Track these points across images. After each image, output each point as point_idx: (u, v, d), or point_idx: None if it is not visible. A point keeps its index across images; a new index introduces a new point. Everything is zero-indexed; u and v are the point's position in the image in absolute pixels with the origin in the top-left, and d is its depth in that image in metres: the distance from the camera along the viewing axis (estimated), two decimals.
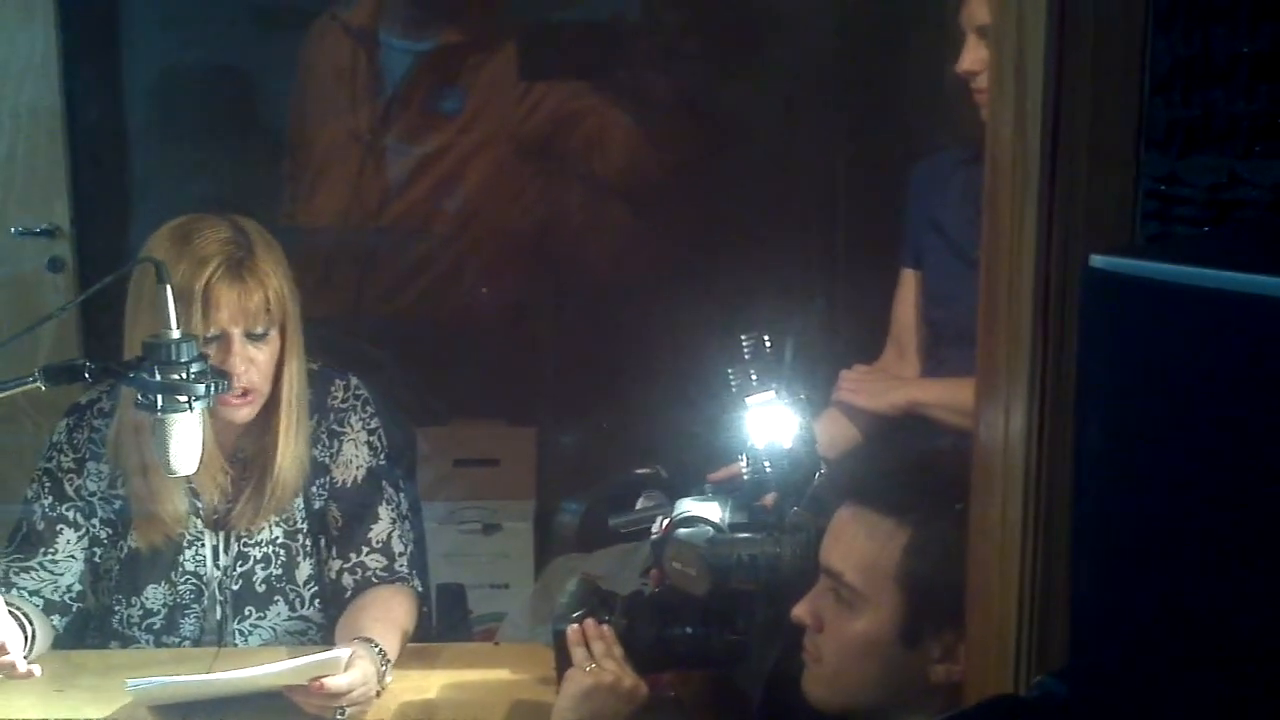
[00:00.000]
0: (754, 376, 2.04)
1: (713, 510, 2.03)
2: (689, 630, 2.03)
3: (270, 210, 3.70)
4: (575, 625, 2.03)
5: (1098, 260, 1.09)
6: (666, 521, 2.03)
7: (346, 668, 2.07)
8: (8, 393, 1.99)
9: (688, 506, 2.04)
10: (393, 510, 2.45)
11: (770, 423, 2.05)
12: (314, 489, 2.43)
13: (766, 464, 2.03)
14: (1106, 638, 1.10)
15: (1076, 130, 1.40)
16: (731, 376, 2.05)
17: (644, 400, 3.59)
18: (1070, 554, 1.15)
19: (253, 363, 2.27)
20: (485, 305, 3.88)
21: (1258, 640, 0.99)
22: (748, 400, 2.03)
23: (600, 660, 2.00)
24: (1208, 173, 1.39)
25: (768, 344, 2.05)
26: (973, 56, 2.34)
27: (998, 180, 1.50)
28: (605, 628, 2.03)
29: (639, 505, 2.16)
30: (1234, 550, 1.01)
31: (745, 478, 2.06)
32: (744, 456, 2.06)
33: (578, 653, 2.01)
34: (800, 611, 1.84)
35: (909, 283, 2.65)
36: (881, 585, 1.75)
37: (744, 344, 2.06)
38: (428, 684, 2.26)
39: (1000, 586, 1.49)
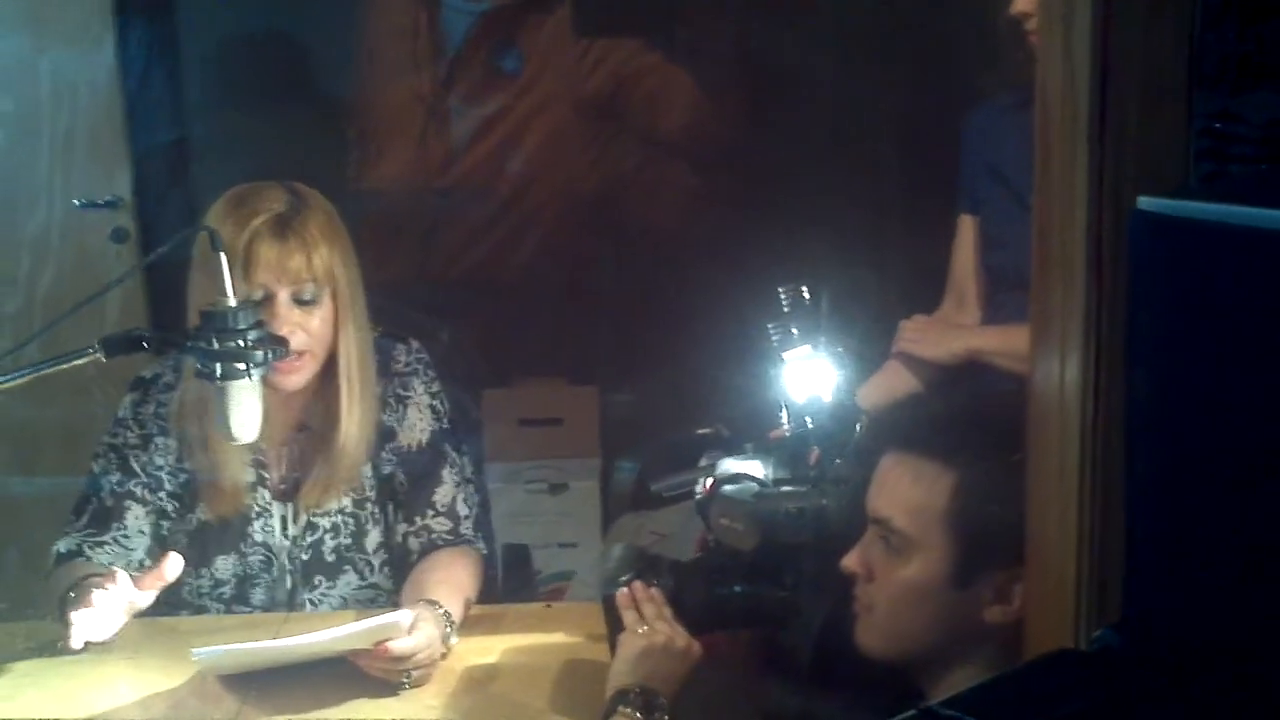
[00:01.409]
0: (794, 330, 2.02)
1: (756, 468, 2.02)
2: (737, 589, 2.02)
3: (333, 176, 3.71)
4: (624, 589, 2.02)
5: (1145, 202, 1.07)
6: (711, 481, 2.02)
7: (410, 631, 2.08)
8: (68, 364, 2.00)
9: (731, 465, 2.03)
10: (456, 473, 2.45)
11: (809, 377, 2.03)
12: (383, 454, 2.43)
13: (808, 419, 2.01)
14: (1161, 588, 1.08)
15: (1126, 67, 1.36)
16: (772, 331, 2.03)
17: (707, 358, 3.57)
18: (1125, 504, 1.12)
19: (301, 328, 2.27)
20: (548, 264, 3.87)
21: None
22: (785, 355, 2.02)
23: (652, 622, 1.99)
24: (1264, 109, 1.34)
25: (806, 296, 2.03)
26: None
27: (1048, 121, 1.46)
28: (654, 590, 2.02)
29: (612, 559, 2.13)
30: None
31: (787, 434, 2.04)
32: (785, 411, 2.04)
33: (629, 616, 2.00)
34: (850, 561, 1.82)
35: (967, 229, 2.63)
36: (930, 529, 1.74)
37: (783, 297, 2.04)
38: (491, 647, 2.26)
39: (1059, 537, 1.46)
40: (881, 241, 3.75)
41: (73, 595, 2.23)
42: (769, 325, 2.07)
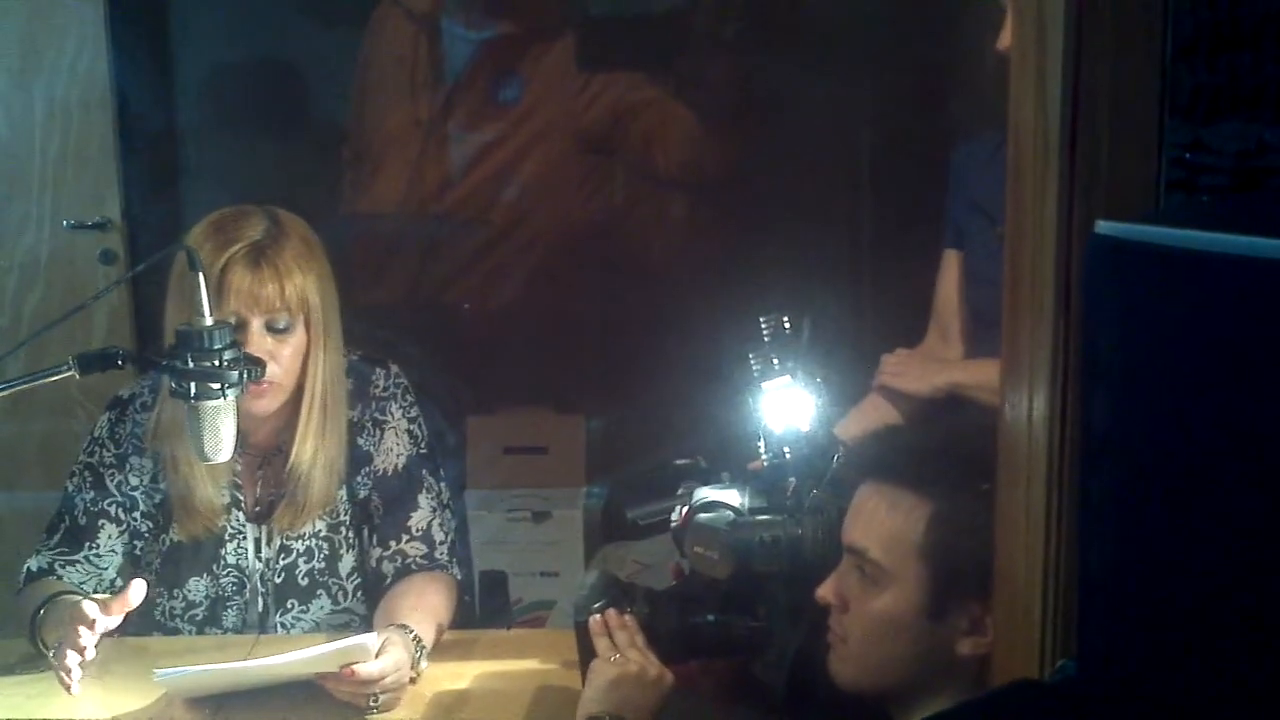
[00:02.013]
0: (775, 360, 2.01)
1: (732, 496, 2.01)
2: (711, 619, 2.01)
3: (326, 200, 3.71)
4: (597, 616, 2.01)
5: (1104, 227, 1.05)
6: (686, 509, 2.01)
7: (379, 654, 2.06)
8: (42, 380, 1.99)
9: (707, 493, 2.02)
10: (433, 499, 2.44)
11: (787, 406, 2.02)
12: (359, 478, 2.42)
13: (786, 449, 2.01)
14: (1115, 619, 1.06)
15: (1097, 97, 1.36)
16: (753, 360, 2.03)
17: (696, 389, 3.56)
18: (1080, 535, 1.11)
19: (273, 356, 2.26)
20: (540, 293, 3.87)
21: (1269, 620, 0.95)
22: (764, 385, 2.01)
23: (624, 650, 1.97)
24: (1235, 140, 1.34)
25: (787, 325, 2.03)
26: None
27: (1020, 152, 1.46)
28: (627, 617, 2.01)
29: (586, 587, 2.12)
30: (1244, 531, 0.96)
31: (764, 463, 2.03)
32: (762, 441, 2.03)
33: (601, 643, 1.99)
34: (824, 592, 1.82)
35: (951, 264, 2.62)
36: (905, 560, 1.73)
37: (763, 326, 2.04)
38: (463, 672, 2.25)
39: (1026, 568, 1.45)
40: (869, 274, 3.75)
41: (42, 613, 2.23)
42: (749, 355, 2.06)
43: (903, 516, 1.75)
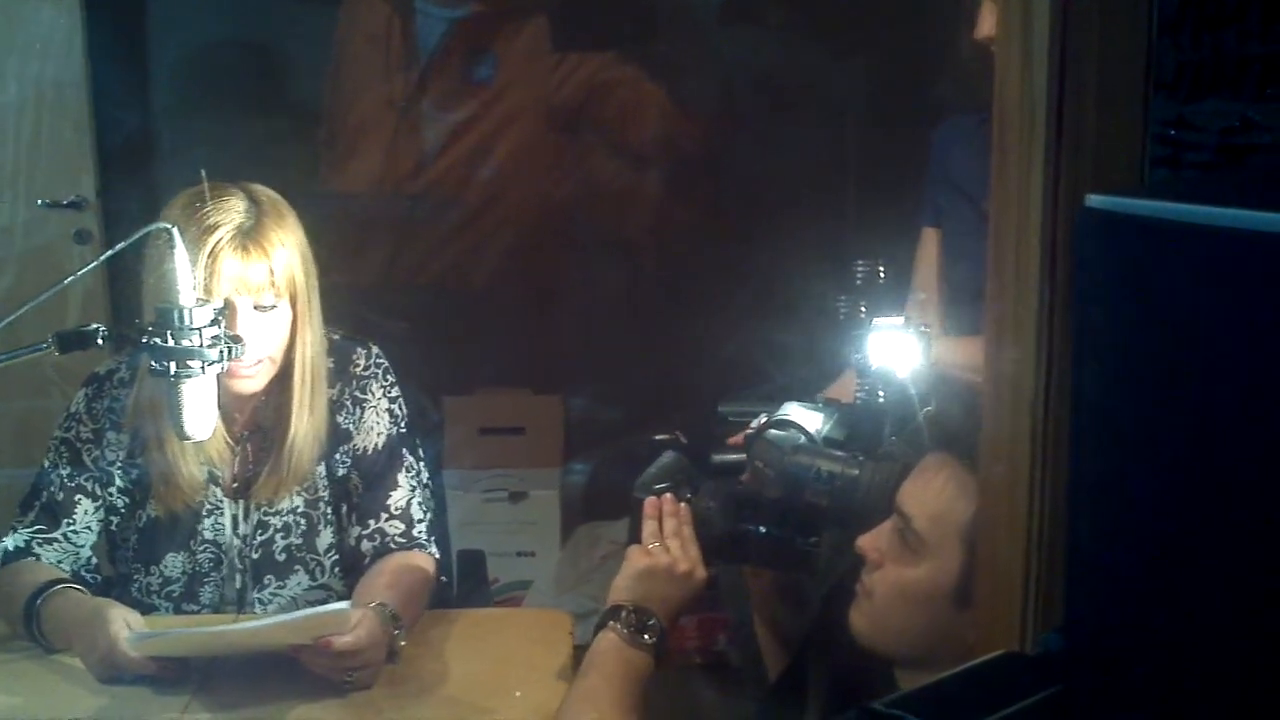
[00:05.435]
0: (863, 306, 2.02)
1: (813, 420, 2.00)
2: (764, 530, 1.98)
3: (301, 180, 3.70)
4: (653, 497, 1.99)
5: (1094, 200, 1.06)
6: (765, 420, 2.01)
7: (355, 628, 2.06)
8: (21, 357, 1.99)
9: (791, 410, 2.02)
10: (412, 478, 2.44)
11: (893, 349, 2.03)
12: (337, 456, 2.42)
13: (880, 391, 2.00)
14: (1103, 592, 1.07)
15: (1083, 73, 1.36)
16: (842, 303, 2.03)
17: (674, 366, 3.58)
18: (1069, 508, 1.12)
19: (261, 334, 2.26)
20: (516, 273, 3.87)
21: (1256, 596, 0.96)
22: (876, 321, 2.01)
23: (667, 538, 1.96)
24: (1218, 117, 1.34)
25: (881, 273, 2.03)
26: (990, 22, 2.30)
27: (1005, 127, 1.47)
28: (683, 506, 1.99)
29: (656, 465, 2.11)
30: (1234, 503, 0.97)
31: (857, 399, 2.03)
32: (859, 378, 2.03)
33: (648, 526, 1.97)
34: (865, 542, 1.80)
35: (929, 241, 2.64)
36: (946, 539, 1.71)
37: (858, 271, 2.03)
38: (443, 649, 2.25)
39: (1009, 541, 1.46)
40: (852, 252, 3.76)
41: (39, 603, 2.22)
42: (839, 298, 2.07)
43: (960, 498, 1.71)
